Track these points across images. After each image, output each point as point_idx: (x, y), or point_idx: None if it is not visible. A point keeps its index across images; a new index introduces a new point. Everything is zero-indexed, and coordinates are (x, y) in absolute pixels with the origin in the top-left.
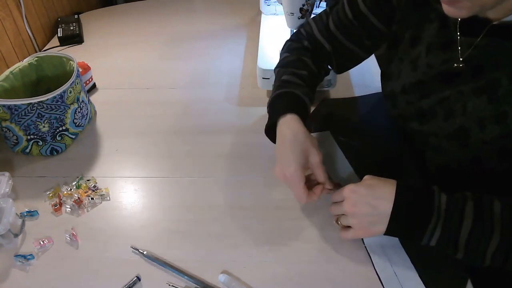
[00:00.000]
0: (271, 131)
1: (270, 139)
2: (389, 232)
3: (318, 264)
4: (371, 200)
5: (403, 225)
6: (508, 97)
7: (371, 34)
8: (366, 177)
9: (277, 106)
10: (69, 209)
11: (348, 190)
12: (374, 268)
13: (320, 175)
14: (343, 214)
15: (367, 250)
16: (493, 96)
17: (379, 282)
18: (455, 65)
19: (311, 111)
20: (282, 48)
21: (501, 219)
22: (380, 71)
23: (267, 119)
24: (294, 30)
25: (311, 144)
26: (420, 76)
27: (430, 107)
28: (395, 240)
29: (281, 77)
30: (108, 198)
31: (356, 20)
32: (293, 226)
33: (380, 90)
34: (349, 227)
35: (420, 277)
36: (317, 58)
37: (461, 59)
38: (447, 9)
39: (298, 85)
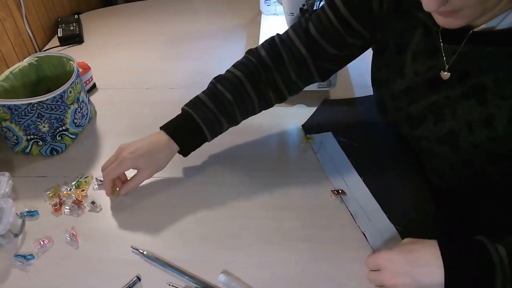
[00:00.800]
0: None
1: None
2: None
3: (318, 264)
4: (411, 269)
5: None
6: (495, 100)
7: (355, 38)
8: (404, 240)
9: (172, 122)
10: (68, 210)
11: (384, 260)
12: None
13: (131, 184)
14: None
15: (372, 249)
16: (481, 99)
17: None
18: (441, 72)
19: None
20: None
21: None
22: None
23: (267, 119)
24: None
25: (155, 164)
26: (408, 83)
27: (419, 112)
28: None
29: (203, 91)
30: (100, 208)
31: (341, 25)
32: (293, 226)
33: None
34: None
35: None
36: (269, 67)
37: (447, 66)
38: (443, 20)
39: (206, 109)
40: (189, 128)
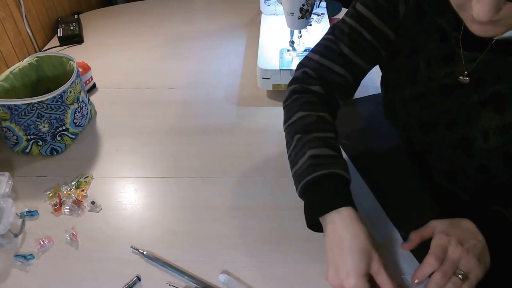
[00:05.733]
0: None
1: (315, 230)
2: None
3: (318, 264)
4: (470, 237)
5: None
6: None
7: (386, 48)
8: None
9: (322, 196)
10: (68, 210)
11: (453, 244)
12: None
13: (384, 284)
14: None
15: None
16: (499, 107)
17: None
18: (460, 77)
19: None
20: (288, 99)
21: None
22: (379, 71)
23: (267, 119)
24: (295, 30)
25: (372, 246)
26: (420, 89)
27: (431, 119)
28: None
29: (308, 149)
30: (100, 208)
31: (374, 38)
32: (293, 226)
33: (380, 91)
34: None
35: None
36: (331, 100)
37: (466, 72)
38: (480, 29)
39: (334, 158)
40: (346, 187)
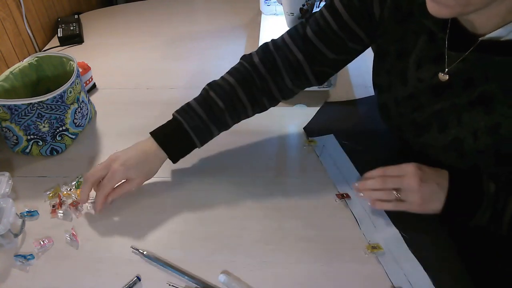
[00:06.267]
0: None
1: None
2: (445, 209)
3: (318, 264)
4: (436, 178)
5: (459, 205)
6: (502, 109)
7: (355, 43)
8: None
9: (162, 128)
10: (62, 215)
11: (414, 166)
12: (383, 266)
13: (119, 192)
14: (397, 189)
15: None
16: (488, 108)
17: (380, 281)
18: (440, 74)
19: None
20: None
21: None
22: None
23: (268, 120)
24: None
25: (145, 173)
26: (411, 90)
27: (424, 119)
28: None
29: (196, 97)
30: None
31: (341, 30)
32: (293, 226)
33: None
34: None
35: (429, 277)
36: (262, 76)
37: (446, 69)
38: (435, 7)
39: (196, 117)
40: (178, 136)
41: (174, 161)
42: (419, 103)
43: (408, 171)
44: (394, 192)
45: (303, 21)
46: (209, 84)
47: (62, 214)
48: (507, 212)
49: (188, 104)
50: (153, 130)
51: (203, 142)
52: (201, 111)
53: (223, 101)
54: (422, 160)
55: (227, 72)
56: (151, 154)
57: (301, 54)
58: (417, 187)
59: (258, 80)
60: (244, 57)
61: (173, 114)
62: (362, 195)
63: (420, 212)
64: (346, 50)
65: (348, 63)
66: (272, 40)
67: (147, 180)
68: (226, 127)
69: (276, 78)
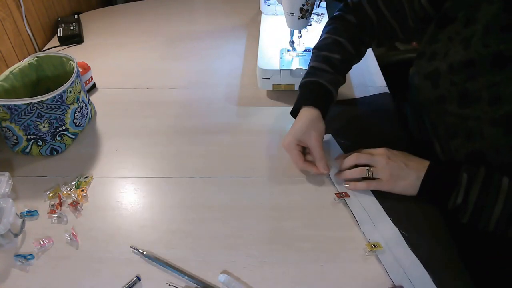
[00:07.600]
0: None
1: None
2: (421, 189)
3: (318, 264)
4: (404, 159)
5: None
6: None
7: (417, 16)
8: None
9: (303, 95)
10: (56, 219)
11: (384, 149)
12: (383, 265)
13: (317, 158)
14: (371, 167)
15: (377, 257)
16: None
17: (381, 280)
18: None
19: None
20: (326, 25)
21: (507, 191)
22: (380, 71)
23: (267, 119)
24: (295, 30)
25: (315, 130)
26: (472, 55)
27: (476, 90)
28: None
29: (313, 61)
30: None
31: (408, 4)
32: (293, 226)
33: (380, 91)
34: (371, 180)
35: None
36: (361, 33)
37: None
38: None
39: (325, 73)
40: (320, 93)
41: (324, 115)
42: (476, 72)
43: (378, 151)
44: (366, 168)
45: None
46: (316, 48)
47: (56, 219)
48: (495, 209)
49: (312, 67)
50: (298, 102)
51: (337, 93)
52: (326, 66)
53: (338, 53)
54: (450, 138)
55: (326, 32)
56: (315, 117)
57: (375, 17)
58: (385, 163)
59: (358, 32)
60: (335, 19)
61: (305, 81)
62: (341, 177)
63: (391, 190)
64: (406, 23)
65: (400, 40)
66: (348, 1)
67: (321, 137)
68: (345, 77)
69: (367, 32)
